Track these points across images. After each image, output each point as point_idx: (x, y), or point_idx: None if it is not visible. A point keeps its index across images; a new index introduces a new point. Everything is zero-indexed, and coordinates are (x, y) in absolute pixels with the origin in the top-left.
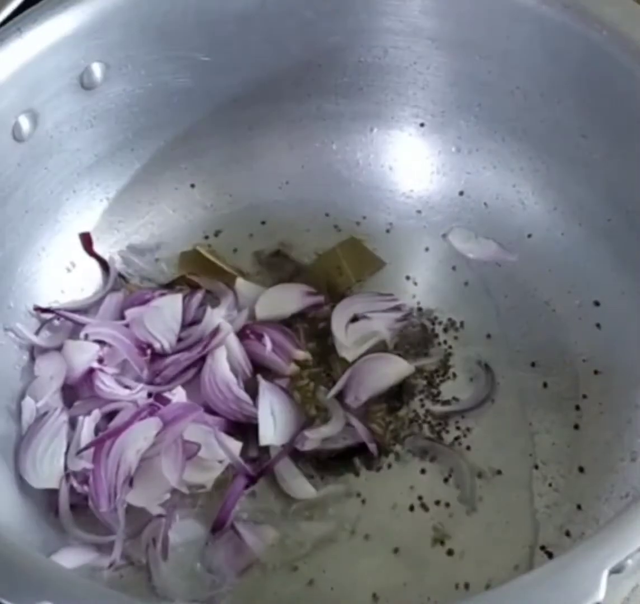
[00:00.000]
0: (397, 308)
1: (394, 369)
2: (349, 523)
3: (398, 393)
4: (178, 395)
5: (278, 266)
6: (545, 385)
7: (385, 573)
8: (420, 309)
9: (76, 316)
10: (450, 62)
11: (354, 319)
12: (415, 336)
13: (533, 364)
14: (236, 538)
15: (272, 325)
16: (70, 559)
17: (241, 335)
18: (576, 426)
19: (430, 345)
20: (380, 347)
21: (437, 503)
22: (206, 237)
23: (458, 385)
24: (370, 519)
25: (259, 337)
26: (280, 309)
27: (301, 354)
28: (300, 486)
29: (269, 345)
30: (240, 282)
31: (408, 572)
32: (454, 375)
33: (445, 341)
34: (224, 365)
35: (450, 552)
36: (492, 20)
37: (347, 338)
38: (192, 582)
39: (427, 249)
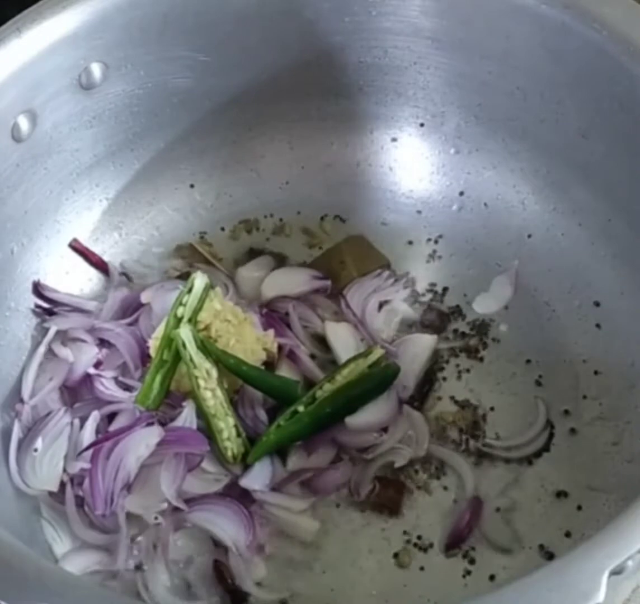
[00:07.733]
0: (396, 280)
1: (421, 345)
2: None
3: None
4: (187, 409)
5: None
6: (544, 385)
7: (386, 574)
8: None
9: (77, 316)
10: (450, 62)
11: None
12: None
13: (532, 363)
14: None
15: (290, 299)
16: (77, 563)
17: (264, 316)
18: (575, 428)
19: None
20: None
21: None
22: (206, 237)
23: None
24: (370, 522)
25: (281, 313)
26: (287, 289)
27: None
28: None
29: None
30: (241, 270)
31: (408, 572)
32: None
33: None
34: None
35: (451, 554)
36: (492, 20)
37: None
38: (183, 591)
39: (426, 249)
